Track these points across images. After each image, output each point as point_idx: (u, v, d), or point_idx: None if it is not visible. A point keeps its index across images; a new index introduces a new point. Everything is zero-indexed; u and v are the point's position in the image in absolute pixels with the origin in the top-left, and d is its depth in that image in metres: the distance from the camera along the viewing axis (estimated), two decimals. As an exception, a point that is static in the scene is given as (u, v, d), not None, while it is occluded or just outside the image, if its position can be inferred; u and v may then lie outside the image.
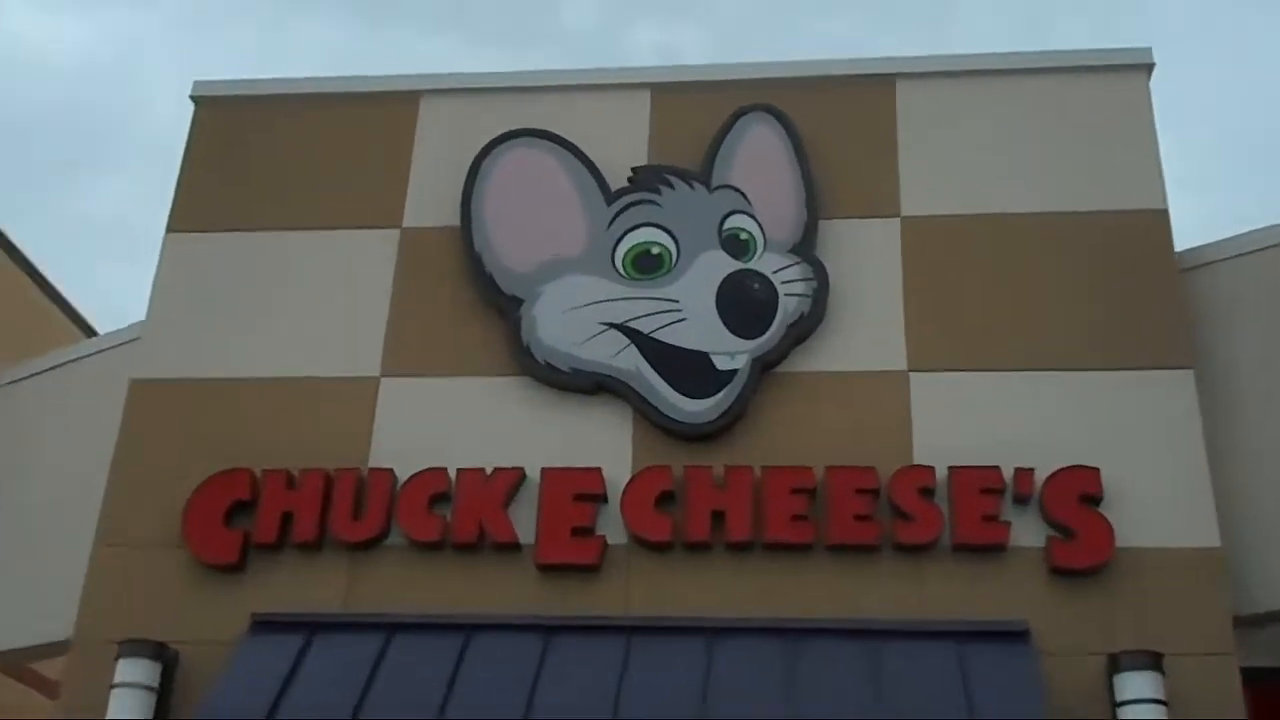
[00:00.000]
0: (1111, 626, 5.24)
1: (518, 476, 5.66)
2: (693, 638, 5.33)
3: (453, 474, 5.66)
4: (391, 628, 5.45)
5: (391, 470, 5.71)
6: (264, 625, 5.49)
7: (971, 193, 6.30)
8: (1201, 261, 6.12)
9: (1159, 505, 5.46)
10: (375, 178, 6.61)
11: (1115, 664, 5.02)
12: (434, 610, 5.49)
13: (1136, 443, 5.63)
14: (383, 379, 6.09)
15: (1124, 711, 4.93)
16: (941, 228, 6.23)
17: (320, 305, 6.32)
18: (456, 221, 6.27)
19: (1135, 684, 4.92)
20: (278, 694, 5.13)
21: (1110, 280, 5.99)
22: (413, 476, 5.67)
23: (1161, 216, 6.11)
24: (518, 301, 6.03)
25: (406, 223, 6.46)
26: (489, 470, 5.66)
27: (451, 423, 5.94)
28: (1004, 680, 5.06)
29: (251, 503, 5.68)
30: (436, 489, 5.65)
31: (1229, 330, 5.96)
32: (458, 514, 5.60)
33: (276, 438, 5.91)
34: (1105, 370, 5.81)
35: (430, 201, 6.45)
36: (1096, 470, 5.42)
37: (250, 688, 5.19)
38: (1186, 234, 6.21)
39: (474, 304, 6.17)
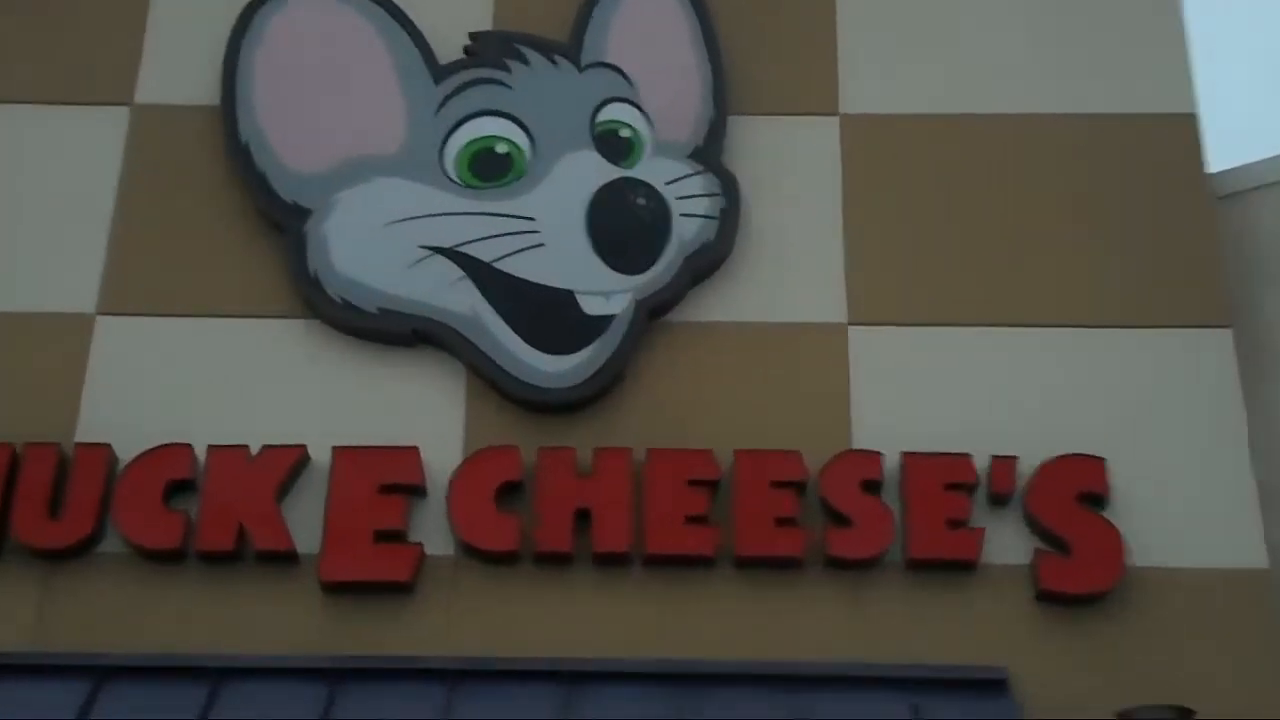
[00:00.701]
0: (1120, 674, 4.57)
1: (297, 457, 4.80)
2: (543, 687, 4.49)
3: (200, 452, 4.77)
4: (102, 673, 4.47)
5: (108, 446, 4.79)
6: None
7: (936, 86, 5.63)
8: (1237, 188, 5.48)
9: (1186, 510, 4.87)
10: (96, 33, 5.69)
11: (1127, 725, 4.34)
12: (166, 649, 4.56)
13: (1156, 424, 5.03)
14: (99, 317, 5.17)
15: None
16: (895, 130, 5.57)
17: (13, 210, 5.36)
18: (214, 98, 5.40)
19: (1156, 755, 4.26)
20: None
21: (1122, 206, 5.38)
22: (141, 455, 4.74)
23: (1189, 124, 5.48)
24: (303, 214, 5.17)
25: (140, 97, 5.60)
26: (255, 448, 4.76)
27: (201, 381, 5.07)
28: None
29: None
30: (176, 473, 4.74)
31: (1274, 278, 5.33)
32: (207, 510, 4.70)
33: (-62, 396, 4.90)
34: (1115, 328, 5.20)
35: (176, 69, 5.61)
36: (1101, 461, 4.80)
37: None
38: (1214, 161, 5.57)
39: (238, 215, 5.31)
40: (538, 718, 4.41)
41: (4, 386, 5.01)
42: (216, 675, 4.47)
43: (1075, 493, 4.72)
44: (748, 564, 4.72)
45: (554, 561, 4.72)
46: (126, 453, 4.76)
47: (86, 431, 4.92)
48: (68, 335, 5.12)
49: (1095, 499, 4.74)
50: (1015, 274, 5.27)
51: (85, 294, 5.20)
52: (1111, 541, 4.65)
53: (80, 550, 4.69)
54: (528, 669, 4.55)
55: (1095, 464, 4.77)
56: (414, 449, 4.79)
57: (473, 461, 4.80)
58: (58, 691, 4.39)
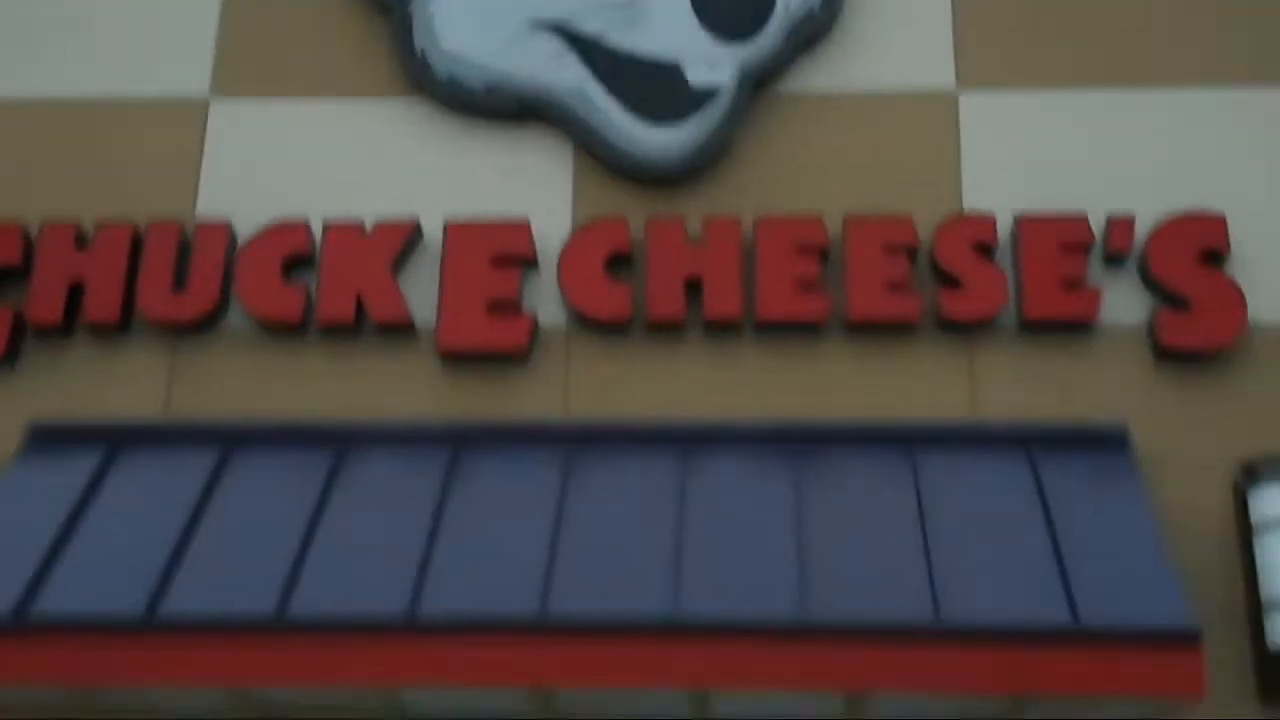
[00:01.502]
0: (1240, 429, 4.43)
1: (410, 232, 4.72)
2: (658, 451, 4.47)
3: (317, 228, 4.73)
4: (230, 440, 4.51)
5: (228, 223, 4.75)
6: (46, 436, 4.53)
7: None
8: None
9: (1310, 268, 4.61)
10: None
11: (1251, 474, 4.23)
12: (291, 416, 4.61)
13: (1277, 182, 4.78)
14: (213, 100, 5.10)
15: (1264, 541, 4.16)
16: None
17: (122, -1, 5.27)
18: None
19: (1280, 499, 4.14)
20: (64, 529, 4.17)
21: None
22: (259, 233, 4.71)
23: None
24: (409, -8, 4.98)
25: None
26: (369, 224, 4.71)
27: (316, 159, 4.99)
28: (1094, 499, 4.25)
29: (24, 269, 4.71)
30: (294, 249, 4.68)
31: None
32: (325, 283, 4.65)
33: (60, 179, 4.95)
34: (1239, 85, 4.90)
35: None
36: (1222, 218, 4.56)
37: (25, 520, 4.21)
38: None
39: (345, -4, 5.15)
40: (655, 479, 4.40)
41: (124, 171, 4.97)
42: (341, 440, 4.51)
43: (1195, 250, 4.51)
44: (859, 329, 4.60)
45: (665, 329, 4.65)
46: (245, 231, 4.74)
47: (207, 207, 4.91)
48: (183, 119, 5.06)
49: (1215, 256, 4.52)
50: (1132, 34, 4.97)
51: (198, 78, 5.14)
52: (1232, 297, 4.45)
53: (205, 324, 4.70)
54: (643, 433, 4.52)
55: (1215, 221, 4.55)
56: (525, 222, 4.71)
57: (582, 233, 4.70)
58: (189, 457, 4.45)
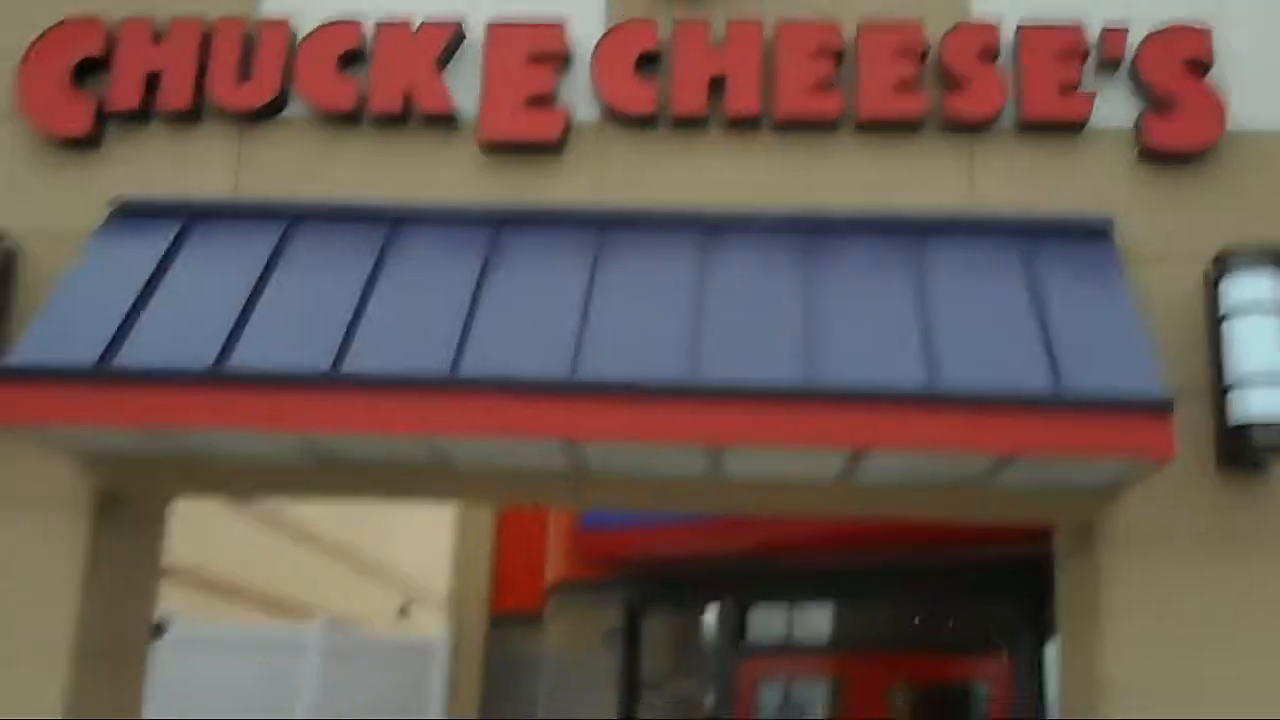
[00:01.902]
0: (1215, 227, 4.74)
1: (455, 31, 5.00)
2: (682, 234, 4.83)
3: (369, 27, 5.02)
4: (293, 218, 4.89)
5: (287, 21, 5.06)
6: (127, 212, 4.90)
7: None
8: None
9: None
10: None
11: (1223, 265, 4.54)
12: (346, 198, 4.96)
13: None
14: None
15: (1232, 325, 4.49)
16: None
17: None
18: None
19: (1250, 287, 4.46)
20: (142, 293, 4.59)
21: None
22: (316, 29, 5.01)
23: None
24: None
25: None
26: (416, 22, 5.00)
27: None
28: (1080, 284, 4.59)
29: (105, 60, 5.02)
30: (348, 45, 4.97)
31: None
32: (377, 77, 4.97)
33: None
34: None
35: None
36: (1208, 31, 4.81)
37: (109, 284, 4.61)
38: None
39: None
40: (677, 260, 4.77)
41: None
42: (391, 220, 4.90)
43: (1182, 58, 4.78)
44: (869, 126, 4.91)
45: (690, 124, 4.96)
46: (304, 26, 5.04)
47: (269, 6, 5.17)
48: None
49: (1200, 65, 4.78)
50: None
51: None
52: (1214, 102, 4.75)
53: (269, 113, 5.03)
54: (667, 218, 4.89)
55: (1202, 33, 4.81)
56: (560, 22, 4.99)
57: (614, 33, 4.98)
58: (254, 233, 4.86)
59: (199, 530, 14.22)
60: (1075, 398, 4.15)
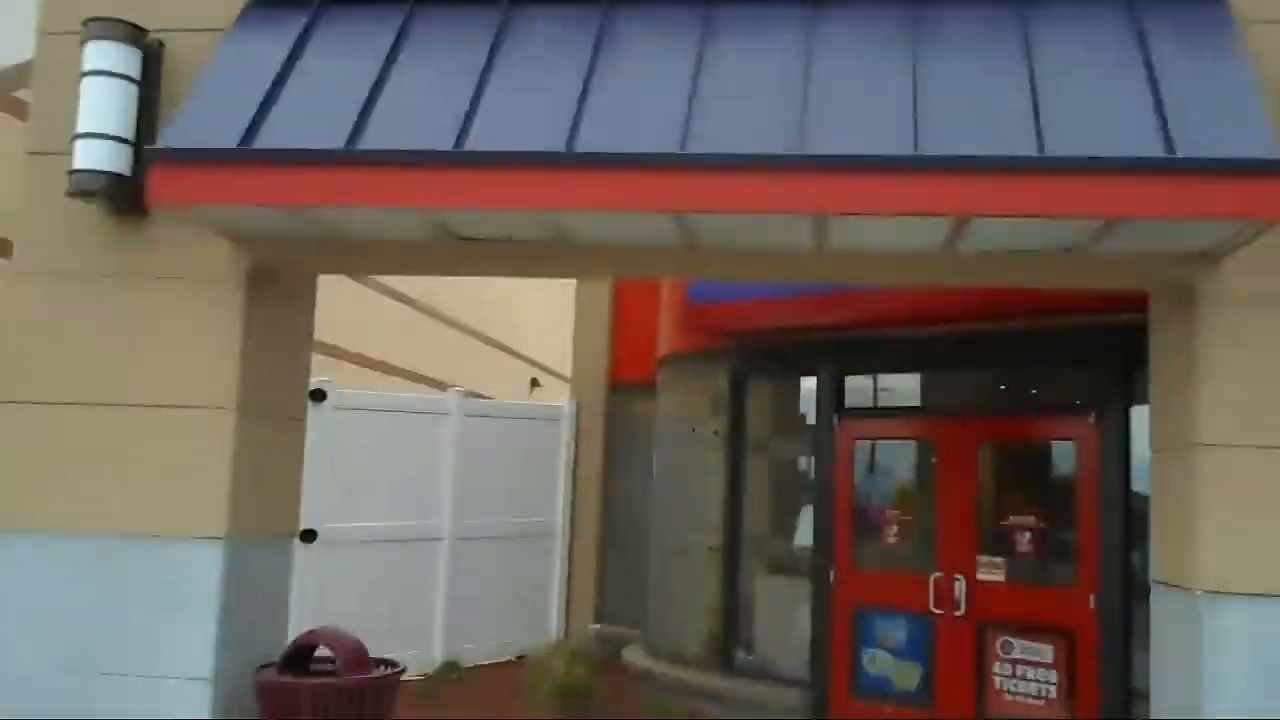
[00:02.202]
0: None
1: None
2: (789, 9, 4.77)
3: None
4: (415, 1, 4.94)
5: None
6: (261, 4, 4.99)
7: None
8: None
9: None
10: None
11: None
12: (464, -16, 4.92)
13: None
14: None
15: None
16: None
17: None
18: None
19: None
20: (277, 79, 4.70)
21: None
22: None
23: None
24: None
25: None
26: None
27: None
28: (1193, 48, 4.46)
29: None
30: None
31: None
32: None
33: None
34: None
35: None
36: None
37: (246, 73, 4.72)
38: None
39: None
40: (786, 34, 4.69)
41: None
42: (509, 2, 4.91)
43: None
44: (975, -105, 4.68)
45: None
46: None
47: None
48: None
49: None
50: None
51: None
52: None
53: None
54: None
55: None
56: None
57: None
58: (380, 19, 4.92)
59: (356, 312, 14.76)
60: (1186, 159, 4.06)
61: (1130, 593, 7.07)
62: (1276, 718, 4.85)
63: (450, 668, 10.69)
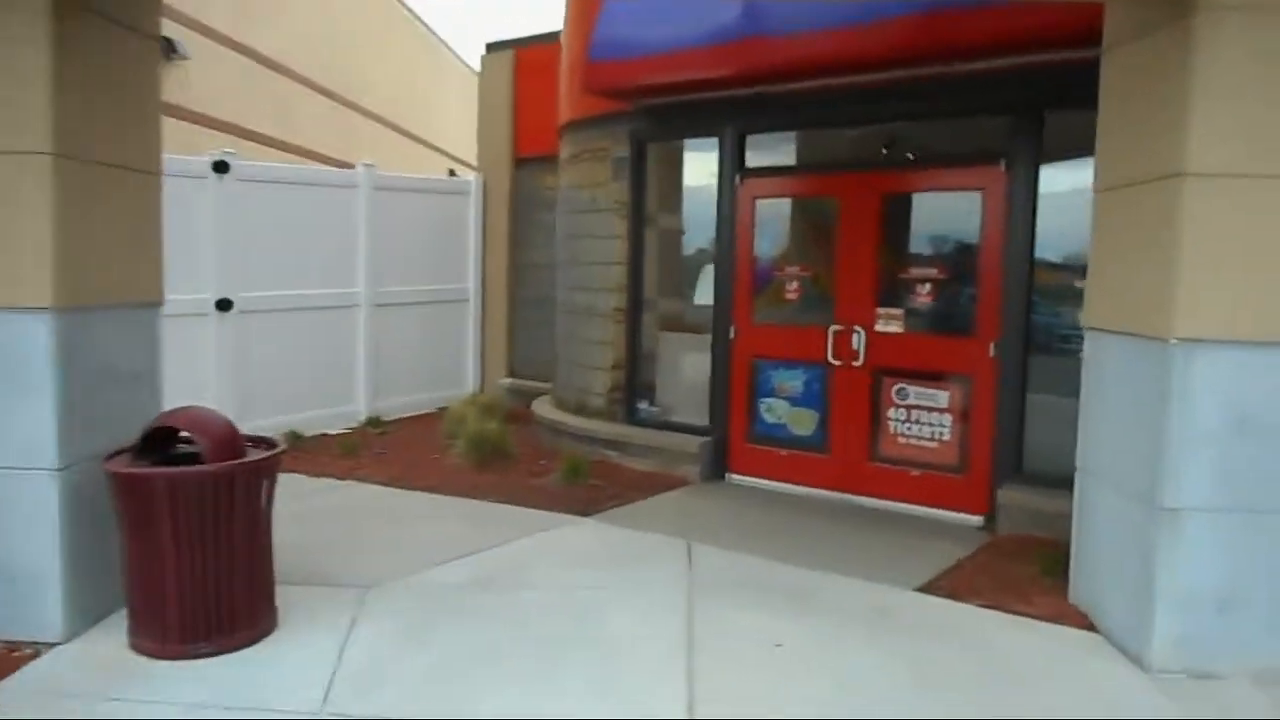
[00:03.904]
0: None
1: None
2: None
3: None
4: None
5: None
6: None
7: None
8: None
9: None
10: None
11: None
12: None
13: None
14: None
15: None
16: None
17: None
18: None
19: None
20: None
21: None
22: None
23: None
24: None
25: None
26: None
27: None
28: None
29: None
30: None
31: None
32: None
33: None
34: None
35: None
36: None
37: None
38: None
39: None
40: None
41: None
42: None
43: None
44: None
45: None
46: None
47: None
48: None
49: None
50: None
51: None
52: None
53: None
54: None
55: None
56: None
57: None
58: None
59: (282, 104, 12.31)
60: None
61: (1028, 343, 5.59)
62: (1244, 467, 3.48)
63: (373, 422, 8.97)
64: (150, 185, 4.34)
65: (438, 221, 9.91)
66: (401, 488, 6.65)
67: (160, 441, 3.88)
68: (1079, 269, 4.93)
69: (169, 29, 10.38)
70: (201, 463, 3.75)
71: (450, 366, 10.11)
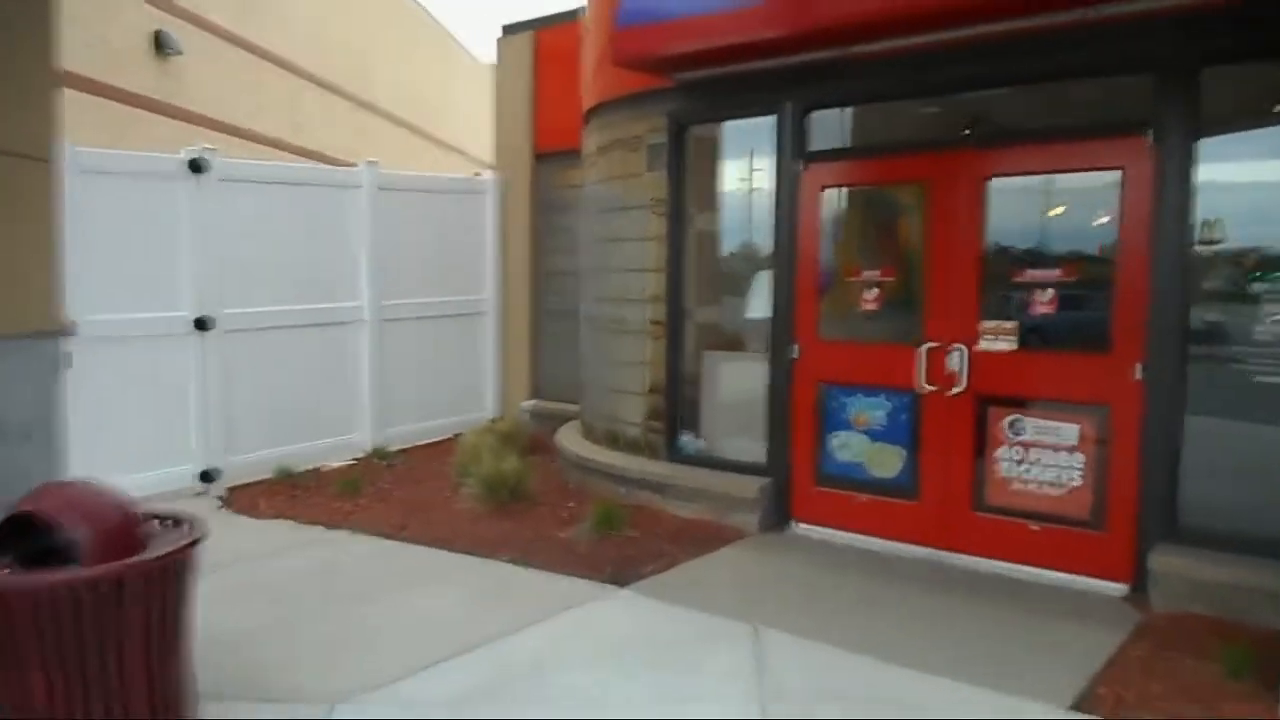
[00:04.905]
0: None
1: None
2: None
3: None
4: None
5: None
6: None
7: None
8: None
9: None
10: None
11: None
12: None
13: None
14: None
15: None
16: None
17: None
18: None
19: None
20: None
21: None
22: None
23: None
24: None
25: None
26: None
27: None
28: None
29: None
30: None
31: None
32: None
33: None
34: None
35: None
36: None
37: None
38: None
39: None
40: None
41: None
42: None
43: None
44: None
45: None
46: None
47: None
48: None
49: None
50: None
51: None
52: None
53: None
54: None
55: None
56: None
57: None
58: None
59: (290, 104, 11.37)
60: None
61: (1186, 362, 4.34)
62: None
63: (379, 454, 7.86)
64: (37, 176, 3.25)
65: (452, 225, 8.80)
66: (401, 540, 5.54)
67: (25, 532, 2.77)
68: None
69: (163, 23, 9.42)
70: (80, 562, 2.64)
71: (468, 388, 8.99)
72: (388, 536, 5.63)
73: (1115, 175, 4.48)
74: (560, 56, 8.31)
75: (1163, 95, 4.33)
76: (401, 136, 14.54)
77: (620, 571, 4.85)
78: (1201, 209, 4.26)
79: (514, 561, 5.05)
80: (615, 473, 6.24)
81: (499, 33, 9.23)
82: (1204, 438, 4.28)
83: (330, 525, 5.88)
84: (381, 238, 8.00)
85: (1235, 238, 4.24)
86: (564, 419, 7.85)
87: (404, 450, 8.09)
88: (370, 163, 8.06)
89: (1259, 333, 4.14)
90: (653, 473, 6.05)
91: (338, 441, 7.75)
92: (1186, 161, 4.26)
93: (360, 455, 7.82)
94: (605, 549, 5.23)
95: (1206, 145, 4.24)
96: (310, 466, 7.32)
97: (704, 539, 5.39)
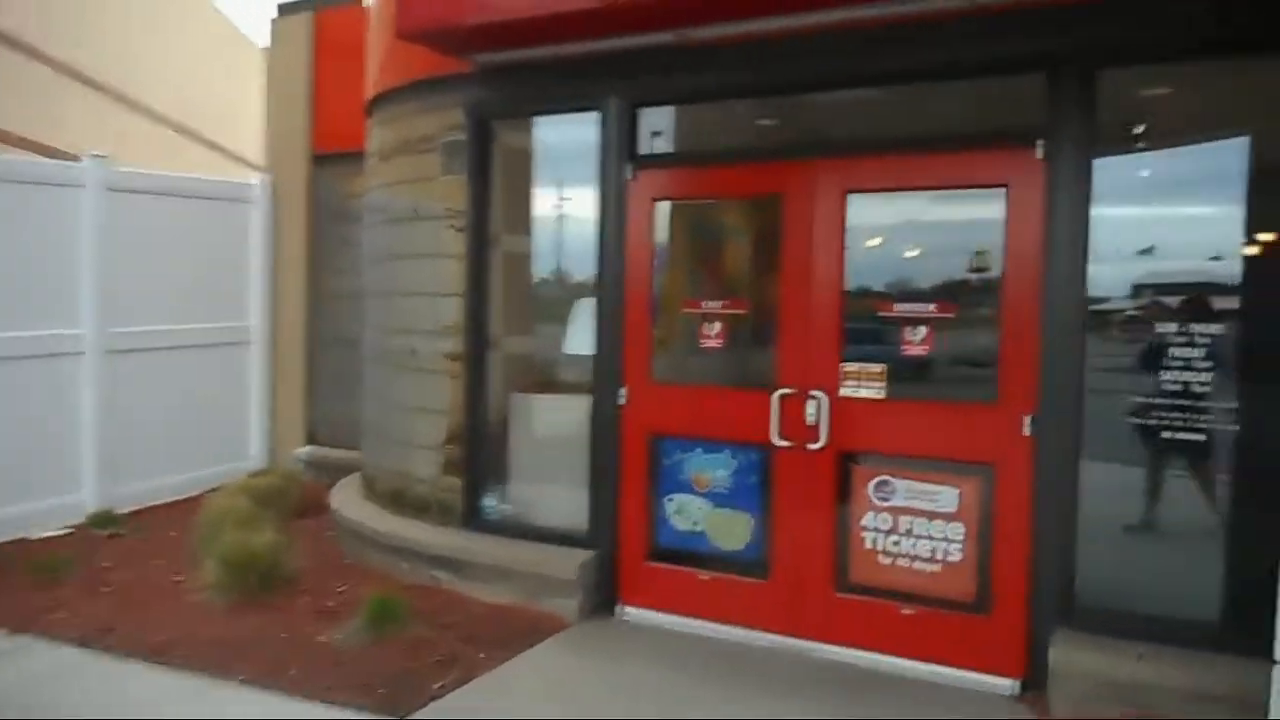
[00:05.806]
0: None
1: None
2: None
3: None
4: None
5: None
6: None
7: None
8: None
9: None
10: None
11: None
12: None
13: None
14: None
15: None
16: None
17: None
18: None
19: None
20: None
21: None
22: None
23: None
24: None
25: None
26: None
27: None
28: None
29: None
30: None
31: None
32: None
33: None
34: None
35: None
36: None
37: None
38: None
39: None
40: None
41: None
42: None
43: None
44: None
45: None
46: None
47: None
48: None
49: None
50: None
51: None
52: None
53: None
54: None
55: None
56: None
57: None
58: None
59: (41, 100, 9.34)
60: None
61: (1082, 415, 3.66)
62: None
63: (103, 519, 6.22)
64: None
65: (210, 237, 7.27)
66: (104, 650, 4.13)
67: None
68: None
69: None
70: None
71: (227, 433, 7.44)
72: (84, 645, 4.18)
73: (1000, 193, 3.77)
74: (345, 42, 6.99)
75: (1053, 102, 3.66)
76: (191, 147, 12.58)
77: (397, 694, 3.64)
78: (1100, 232, 3.62)
79: (251, 683, 3.74)
80: (400, 544, 5.00)
81: (274, 12, 7.81)
82: (1108, 500, 3.61)
83: (16, 629, 4.38)
84: (113, 250, 6.41)
85: (1136, 272, 3.62)
86: (347, 470, 6.50)
87: (138, 512, 6.49)
88: (97, 156, 6.46)
89: (1166, 380, 3.52)
90: (447, 546, 4.86)
91: (50, 505, 6.08)
92: (1085, 181, 3.60)
93: (79, 521, 6.17)
94: (381, 656, 4.01)
95: (1106, 164, 3.60)
96: (11, 538, 5.68)
97: (511, 634, 4.27)
